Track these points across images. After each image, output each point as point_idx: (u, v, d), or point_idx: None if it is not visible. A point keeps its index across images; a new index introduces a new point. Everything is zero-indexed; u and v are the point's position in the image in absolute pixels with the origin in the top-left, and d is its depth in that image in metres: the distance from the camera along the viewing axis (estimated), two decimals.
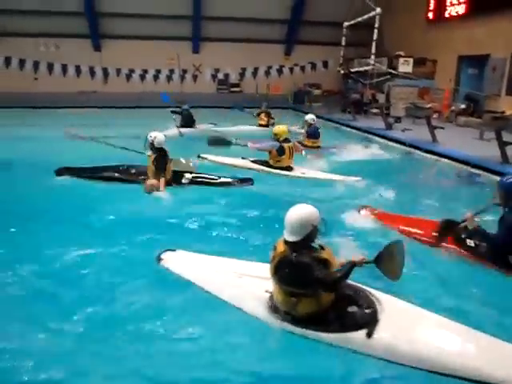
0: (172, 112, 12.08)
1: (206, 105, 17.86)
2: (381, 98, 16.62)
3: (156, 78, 20.42)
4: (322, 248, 2.99)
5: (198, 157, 8.32)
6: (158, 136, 6.35)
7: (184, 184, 6.63)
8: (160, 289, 3.66)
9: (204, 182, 6.81)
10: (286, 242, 2.94)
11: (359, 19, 16.88)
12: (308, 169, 7.98)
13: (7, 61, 19.53)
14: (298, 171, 7.75)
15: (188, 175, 6.73)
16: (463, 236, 4.29)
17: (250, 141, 8.21)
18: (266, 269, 3.34)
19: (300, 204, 3.02)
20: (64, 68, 19.85)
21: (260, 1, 19.33)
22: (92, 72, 20.11)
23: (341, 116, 16.42)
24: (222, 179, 6.92)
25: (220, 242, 4.73)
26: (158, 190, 6.21)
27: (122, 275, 3.90)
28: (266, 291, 3.25)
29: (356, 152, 9.76)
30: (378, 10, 15.52)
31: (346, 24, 18.06)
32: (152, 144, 6.37)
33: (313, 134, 9.74)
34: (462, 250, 4.28)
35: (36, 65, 19.66)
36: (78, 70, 19.98)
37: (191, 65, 20.83)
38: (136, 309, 3.38)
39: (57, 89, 19.30)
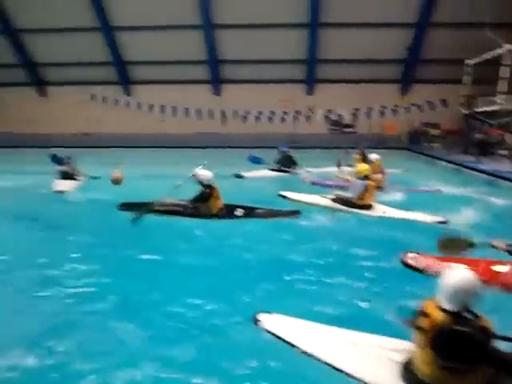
0: (276, 163, 11.57)
1: (318, 145, 18.10)
2: (509, 138, 15.35)
3: (270, 119, 21.23)
4: (476, 316, 2.69)
5: (279, 195, 8.41)
6: (204, 174, 6.89)
7: (238, 216, 7.04)
8: (265, 356, 3.32)
9: (255, 214, 7.18)
10: (442, 309, 2.68)
11: (485, 56, 16.00)
12: (390, 207, 7.67)
13: (139, 105, 21.84)
14: (378, 210, 7.51)
15: (240, 209, 7.15)
16: None
17: (337, 183, 8.38)
18: (381, 340, 3.20)
19: (460, 269, 2.80)
20: (187, 111, 21.60)
21: (375, 42, 19.33)
22: (211, 114, 21.58)
23: (462, 157, 15.45)
24: (270, 211, 7.29)
25: (308, 298, 4.35)
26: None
27: (219, 336, 3.70)
28: (392, 360, 2.97)
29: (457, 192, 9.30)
30: (508, 46, 14.56)
31: (469, 62, 17.24)
32: (201, 181, 6.87)
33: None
34: None
35: (163, 108, 21.69)
36: (198, 112, 21.59)
37: (305, 106, 21.37)
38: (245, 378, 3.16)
39: (180, 130, 21.07)
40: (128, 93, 22.03)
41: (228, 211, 7.08)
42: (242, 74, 21.07)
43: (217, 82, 21.25)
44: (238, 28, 19.27)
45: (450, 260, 4.71)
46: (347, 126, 21.82)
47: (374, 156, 9.82)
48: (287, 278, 4.89)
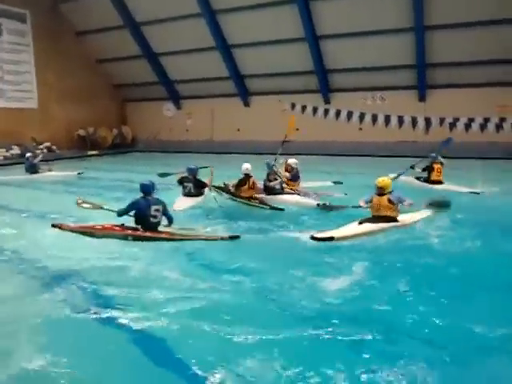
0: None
1: None
2: None
3: (483, 127, 19.55)
4: None
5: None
6: (244, 165, 9.55)
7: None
8: None
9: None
10: None
11: None
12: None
13: (337, 113, 22.36)
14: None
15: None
16: None
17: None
18: None
19: None
20: (387, 119, 21.30)
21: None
22: (414, 122, 20.87)
23: None
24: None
25: None
26: None
27: None
28: None
29: None
30: None
31: None
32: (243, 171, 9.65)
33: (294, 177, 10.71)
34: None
35: (362, 116, 21.82)
36: (400, 120, 21.10)
37: None
38: None
39: (379, 138, 20.87)
40: (328, 101, 22.70)
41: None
42: (450, 78, 19.87)
43: (423, 86, 20.43)
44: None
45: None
46: None
47: (292, 160, 10.94)
48: None
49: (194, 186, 9.62)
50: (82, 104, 25.55)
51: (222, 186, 10.01)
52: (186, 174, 9.81)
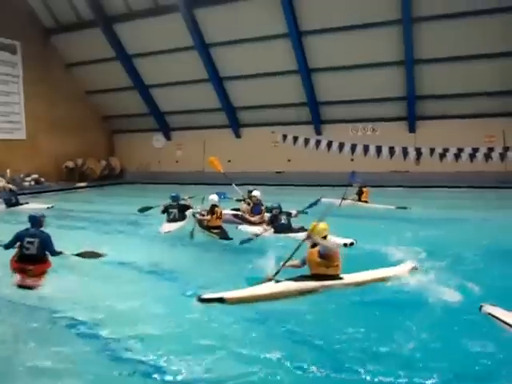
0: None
1: None
2: None
3: (472, 156, 20.29)
4: None
5: None
6: (210, 196, 10.08)
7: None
8: None
9: None
10: None
11: None
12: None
13: (329, 144, 22.92)
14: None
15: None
16: None
17: None
18: None
19: None
20: (378, 149, 21.92)
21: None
22: (405, 152, 21.51)
23: None
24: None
25: None
26: None
27: None
28: None
29: None
30: None
31: None
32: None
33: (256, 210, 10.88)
34: None
35: (353, 147, 22.40)
36: (391, 150, 21.72)
37: None
38: None
39: (371, 169, 21.35)
40: (319, 132, 23.29)
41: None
42: (439, 110, 20.73)
43: (413, 118, 21.21)
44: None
45: None
46: None
47: (256, 192, 11.20)
48: None
49: (178, 211, 10.68)
50: (71, 135, 25.65)
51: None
52: (167, 204, 10.85)
